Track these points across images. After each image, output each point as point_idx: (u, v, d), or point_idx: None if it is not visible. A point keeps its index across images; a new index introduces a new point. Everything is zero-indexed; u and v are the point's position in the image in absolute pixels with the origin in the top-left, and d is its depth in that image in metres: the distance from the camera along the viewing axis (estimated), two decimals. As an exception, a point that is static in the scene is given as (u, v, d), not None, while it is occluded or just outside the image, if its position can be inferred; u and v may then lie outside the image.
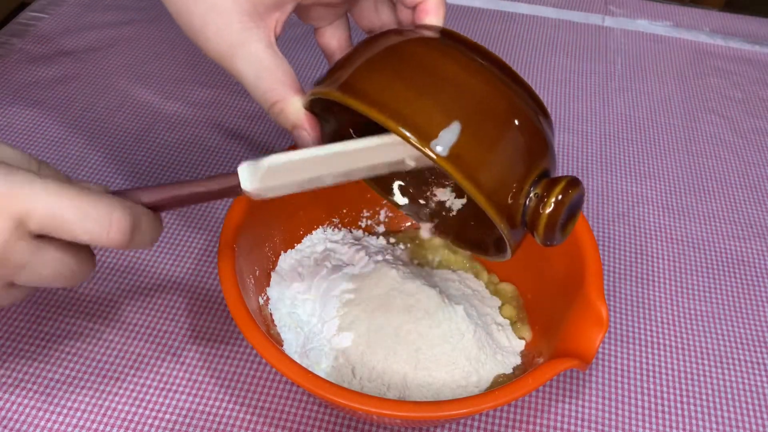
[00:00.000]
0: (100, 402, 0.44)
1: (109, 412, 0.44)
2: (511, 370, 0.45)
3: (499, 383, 0.44)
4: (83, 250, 0.35)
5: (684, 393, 0.48)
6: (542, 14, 0.84)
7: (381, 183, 0.46)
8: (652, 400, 0.47)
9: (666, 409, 0.47)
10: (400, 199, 0.46)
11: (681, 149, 0.67)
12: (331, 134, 0.42)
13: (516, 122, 0.35)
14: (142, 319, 0.49)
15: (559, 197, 0.35)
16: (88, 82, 0.68)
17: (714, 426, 0.46)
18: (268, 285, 0.48)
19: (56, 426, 0.43)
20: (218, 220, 0.56)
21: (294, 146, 0.40)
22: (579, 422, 0.46)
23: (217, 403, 0.45)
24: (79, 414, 0.44)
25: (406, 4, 0.41)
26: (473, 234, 0.44)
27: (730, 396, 0.48)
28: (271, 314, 0.47)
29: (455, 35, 0.37)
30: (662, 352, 0.50)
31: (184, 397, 0.45)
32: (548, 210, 0.35)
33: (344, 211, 0.54)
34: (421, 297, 0.46)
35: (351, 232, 0.54)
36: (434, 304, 0.45)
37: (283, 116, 0.39)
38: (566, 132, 0.68)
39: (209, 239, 0.54)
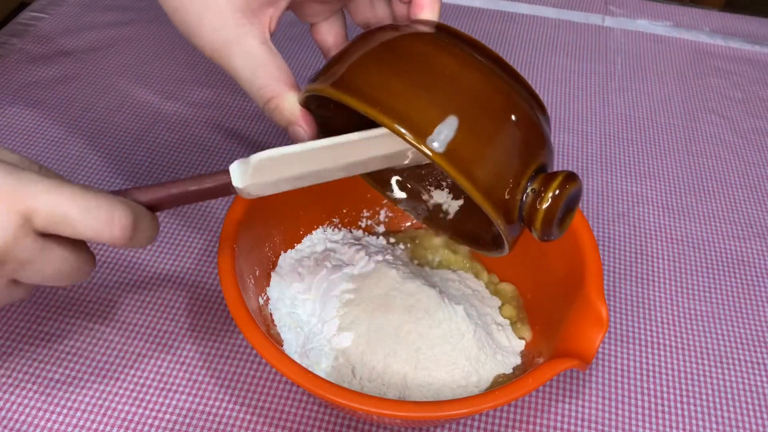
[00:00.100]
0: (100, 402, 0.44)
1: (109, 412, 0.44)
2: (511, 370, 0.45)
3: (499, 383, 0.44)
4: (84, 249, 0.36)
5: (684, 393, 0.48)
6: (542, 14, 0.84)
7: (378, 178, 0.46)
8: (652, 400, 0.47)
9: (666, 409, 0.47)
10: (398, 194, 0.46)
11: (681, 149, 0.67)
12: (327, 131, 0.42)
13: (512, 117, 0.35)
14: (142, 319, 0.49)
15: (557, 192, 0.35)
16: (88, 82, 0.68)
17: (714, 426, 0.46)
18: (268, 285, 0.48)
19: (56, 426, 0.43)
20: (218, 220, 0.56)
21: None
22: (579, 422, 0.46)
23: (217, 403, 0.45)
24: (79, 414, 0.44)
25: None
26: (471, 229, 0.44)
27: (730, 396, 0.48)
28: (271, 314, 0.47)
29: (450, 30, 0.37)
30: (662, 352, 0.50)
31: (184, 397, 0.45)
32: (545, 205, 0.35)
33: (344, 211, 0.54)
34: (421, 297, 0.46)
35: (351, 232, 0.54)
36: (434, 304, 0.45)
37: (278, 113, 0.39)
38: (566, 132, 0.68)
39: (209, 239, 0.54)
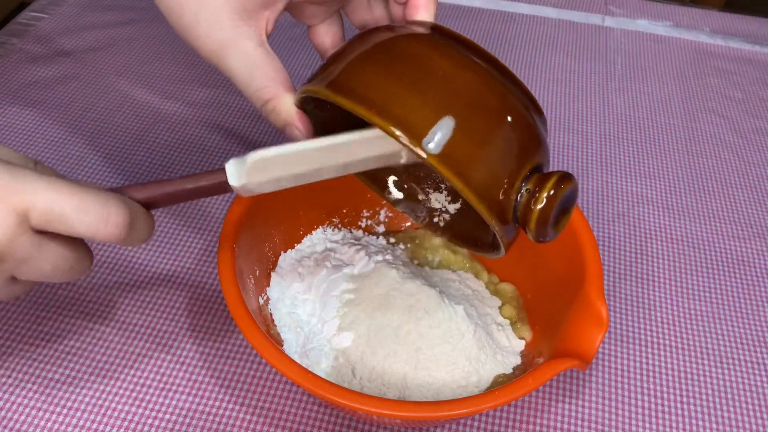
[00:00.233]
0: (99, 402, 0.44)
1: (108, 412, 0.44)
2: (511, 370, 0.45)
3: (499, 383, 0.44)
4: (82, 246, 0.36)
5: (684, 393, 0.48)
6: (542, 14, 0.84)
7: (376, 180, 0.46)
8: (652, 400, 0.47)
9: (666, 409, 0.47)
10: (396, 195, 0.46)
11: (681, 149, 0.67)
12: (323, 132, 0.42)
13: (507, 118, 0.35)
14: (142, 319, 0.49)
15: (551, 192, 0.34)
16: (88, 82, 0.68)
17: (714, 426, 0.46)
18: (268, 285, 0.48)
19: (56, 426, 0.43)
20: (218, 220, 0.56)
21: None
22: (579, 422, 0.46)
23: (217, 403, 0.45)
24: (78, 413, 0.44)
25: (397, 0, 0.41)
26: (470, 231, 0.44)
27: (730, 396, 0.48)
28: (271, 314, 0.47)
29: (446, 31, 0.37)
30: (662, 352, 0.50)
31: (184, 397, 0.45)
32: (540, 205, 0.34)
33: (344, 211, 0.54)
34: (421, 297, 0.46)
35: (351, 232, 0.54)
36: (434, 304, 0.45)
37: (274, 114, 0.39)
38: (566, 132, 0.68)
39: (209, 239, 0.54)
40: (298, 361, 0.41)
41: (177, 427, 0.44)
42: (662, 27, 0.83)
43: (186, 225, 0.55)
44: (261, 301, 0.47)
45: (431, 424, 0.44)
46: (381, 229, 0.54)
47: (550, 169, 0.37)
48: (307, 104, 0.39)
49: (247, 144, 0.63)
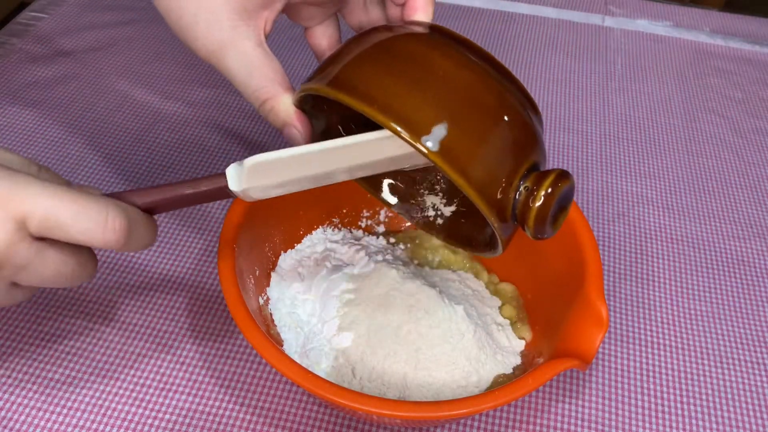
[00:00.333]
0: (99, 402, 0.44)
1: (108, 412, 0.44)
2: (511, 370, 0.45)
3: (499, 383, 0.44)
4: (84, 251, 0.36)
5: (684, 393, 0.48)
6: (542, 14, 0.84)
7: (372, 181, 0.46)
8: (652, 400, 0.47)
9: (666, 409, 0.47)
10: (390, 198, 0.46)
11: (681, 149, 0.67)
12: (321, 132, 0.42)
13: (505, 116, 0.35)
14: (142, 319, 0.49)
15: (549, 190, 0.35)
16: (88, 82, 0.68)
17: (714, 426, 0.46)
18: (268, 285, 0.48)
19: (56, 426, 0.43)
20: (218, 221, 0.56)
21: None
22: (579, 422, 0.46)
23: (217, 403, 0.45)
24: (78, 414, 0.44)
25: (395, 2, 0.41)
26: (465, 232, 0.44)
27: (730, 396, 0.48)
28: (271, 314, 0.47)
29: (444, 30, 0.37)
30: (662, 352, 0.50)
31: (184, 397, 0.45)
32: (538, 203, 0.35)
33: (344, 211, 0.54)
34: (421, 297, 0.46)
35: (351, 232, 0.54)
36: (434, 304, 0.45)
37: (273, 114, 0.39)
38: (566, 132, 0.68)
39: (209, 239, 0.54)
40: (298, 361, 0.41)
41: (177, 427, 0.44)
42: (662, 27, 0.83)
43: (186, 225, 0.55)
44: (261, 301, 0.47)
45: (431, 424, 0.44)
46: (381, 229, 0.54)
47: (547, 168, 0.37)
48: (305, 104, 0.39)
49: (247, 144, 0.63)
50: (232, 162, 0.60)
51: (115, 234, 0.34)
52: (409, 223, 0.54)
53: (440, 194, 0.46)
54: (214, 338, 0.48)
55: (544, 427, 0.45)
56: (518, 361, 0.46)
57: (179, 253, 0.53)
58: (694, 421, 0.46)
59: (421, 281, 0.47)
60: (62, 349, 0.47)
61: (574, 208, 0.46)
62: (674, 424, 0.46)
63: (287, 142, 0.40)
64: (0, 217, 0.32)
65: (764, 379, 0.49)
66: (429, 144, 0.33)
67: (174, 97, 0.67)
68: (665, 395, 0.48)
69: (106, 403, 0.44)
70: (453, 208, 0.46)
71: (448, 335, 0.44)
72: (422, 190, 0.46)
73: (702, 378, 0.49)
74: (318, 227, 0.53)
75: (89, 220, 0.33)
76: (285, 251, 0.51)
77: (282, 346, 0.46)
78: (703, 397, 0.48)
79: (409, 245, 0.53)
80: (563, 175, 0.35)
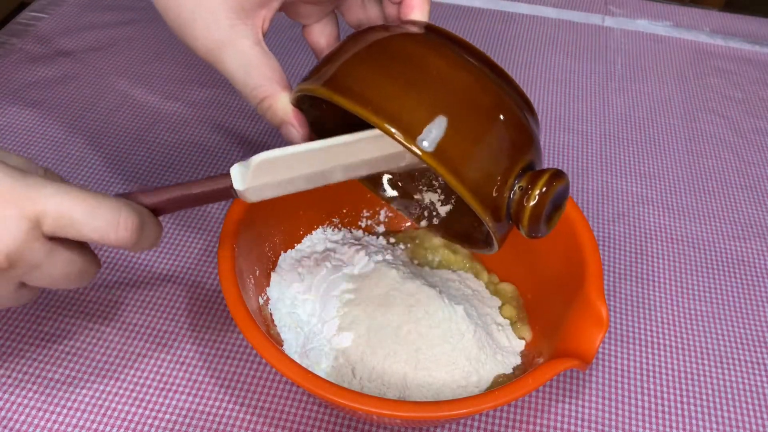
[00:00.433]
0: (99, 402, 0.44)
1: (108, 412, 0.44)
2: (511, 370, 0.45)
3: (499, 383, 0.44)
4: (89, 252, 0.36)
5: (684, 393, 0.48)
6: (542, 14, 0.84)
7: (371, 178, 0.46)
8: (652, 400, 0.47)
9: (666, 409, 0.47)
10: (390, 193, 0.46)
11: (681, 149, 0.67)
12: (319, 130, 0.42)
13: (500, 116, 0.35)
14: (142, 319, 0.49)
15: (543, 189, 0.35)
16: (88, 82, 0.68)
17: (714, 426, 0.46)
18: (268, 285, 0.48)
19: (56, 426, 0.43)
20: (218, 221, 0.56)
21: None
22: (579, 422, 0.46)
23: (217, 403, 0.45)
24: (78, 414, 0.44)
25: (392, 0, 0.41)
26: (463, 228, 0.44)
27: (730, 396, 0.48)
28: (271, 314, 0.47)
29: (440, 30, 0.37)
30: (662, 352, 0.50)
31: (184, 397, 0.45)
32: (532, 202, 0.35)
33: (344, 211, 0.54)
34: (421, 297, 0.46)
35: (351, 232, 0.54)
36: (434, 304, 0.45)
37: (271, 112, 0.39)
38: (566, 132, 0.68)
39: (209, 239, 0.54)
40: (298, 361, 0.41)
41: (177, 427, 0.44)
42: (662, 27, 0.83)
43: (186, 225, 0.55)
44: (261, 301, 0.47)
45: (431, 424, 0.44)
46: (381, 229, 0.54)
47: (543, 167, 0.37)
48: (303, 103, 0.39)
49: (247, 144, 0.63)
50: (232, 162, 0.61)
51: (128, 233, 0.34)
52: (409, 223, 0.54)
53: (438, 191, 0.46)
54: (214, 338, 0.48)
55: (544, 427, 0.45)
56: (518, 361, 0.46)
57: (179, 253, 0.53)
58: (694, 421, 0.46)
59: (421, 281, 0.47)
60: (62, 349, 0.47)
61: (574, 208, 0.46)
62: (674, 424, 0.46)
63: (285, 141, 0.41)
64: (14, 215, 0.32)
65: (764, 379, 0.49)
66: (423, 145, 0.33)
67: (174, 97, 0.67)
68: (665, 395, 0.48)
69: (106, 403, 0.44)
70: (450, 205, 0.46)
71: (448, 335, 0.44)
72: (420, 187, 0.46)
73: (702, 378, 0.49)
74: (318, 227, 0.53)
75: (103, 218, 0.34)
76: (285, 251, 0.51)
77: (282, 346, 0.46)
78: (703, 397, 0.48)
79: (409, 245, 0.53)
80: (558, 175, 0.35)
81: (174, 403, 0.45)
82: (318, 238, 0.52)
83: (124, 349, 0.47)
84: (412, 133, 0.34)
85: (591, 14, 0.85)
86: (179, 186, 0.38)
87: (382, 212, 0.54)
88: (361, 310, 0.45)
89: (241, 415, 0.44)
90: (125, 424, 0.43)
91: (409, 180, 0.46)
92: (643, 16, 0.84)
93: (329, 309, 0.46)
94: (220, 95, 0.68)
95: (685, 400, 0.48)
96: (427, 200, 0.46)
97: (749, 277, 0.56)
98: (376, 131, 0.36)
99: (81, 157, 0.60)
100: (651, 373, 0.49)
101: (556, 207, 0.36)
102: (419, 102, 0.34)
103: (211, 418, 0.44)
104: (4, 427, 0.43)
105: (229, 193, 0.38)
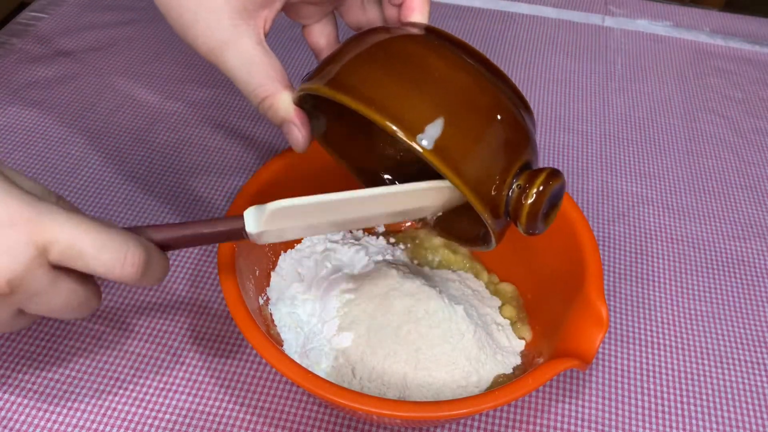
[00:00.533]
0: (100, 402, 0.44)
1: (109, 413, 0.44)
2: (511, 370, 0.45)
3: (499, 383, 0.44)
4: (92, 283, 0.36)
5: (684, 393, 0.48)
6: (542, 14, 0.84)
7: (370, 177, 0.46)
8: (652, 400, 0.47)
9: (666, 409, 0.47)
10: None
11: (681, 149, 0.67)
12: (320, 130, 0.43)
13: (498, 116, 0.36)
14: (142, 320, 0.49)
15: (541, 188, 0.36)
16: (88, 82, 0.68)
17: (714, 426, 0.46)
18: (268, 285, 0.48)
19: (56, 426, 0.43)
20: (218, 220, 0.56)
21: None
22: (579, 422, 0.46)
23: (217, 404, 0.45)
24: (79, 414, 0.44)
25: (392, 2, 0.41)
26: (460, 227, 0.45)
27: (730, 396, 0.48)
28: (271, 314, 0.47)
29: (440, 32, 0.38)
30: (662, 352, 0.50)
31: (184, 397, 0.45)
32: (530, 200, 0.36)
33: (344, 211, 0.54)
34: (421, 297, 0.46)
35: (351, 232, 0.54)
36: (434, 304, 0.45)
37: (272, 111, 0.40)
38: (566, 132, 0.68)
39: (209, 239, 0.54)
40: (298, 361, 0.41)
41: (177, 427, 0.44)
42: (662, 27, 0.83)
43: (186, 225, 0.55)
44: (261, 301, 0.47)
45: (431, 424, 0.44)
46: (381, 229, 0.54)
47: (539, 166, 0.38)
48: (305, 102, 0.40)
49: (247, 143, 0.63)
50: (233, 162, 0.61)
51: (134, 268, 0.34)
52: (409, 223, 0.54)
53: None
54: (214, 338, 0.48)
55: (544, 427, 0.45)
56: (518, 361, 0.46)
57: (179, 253, 0.53)
58: (694, 421, 0.46)
59: (421, 281, 0.47)
60: (62, 350, 0.47)
61: (574, 208, 0.46)
62: (674, 424, 0.46)
63: (287, 140, 0.41)
64: (22, 241, 0.32)
65: (764, 379, 0.49)
66: (424, 143, 0.34)
67: (174, 96, 0.67)
68: (665, 395, 0.48)
69: (107, 404, 0.44)
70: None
71: (448, 335, 0.44)
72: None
73: (702, 378, 0.49)
74: (318, 227, 0.53)
75: (111, 252, 0.33)
76: (285, 251, 0.51)
77: (282, 346, 0.46)
78: (703, 397, 0.48)
79: (409, 245, 0.53)
80: (554, 174, 0.36)
81: (174, 403, 0.45)
82: (318, 238, 0.52)
83: (124, 350, 0.47)
84: (414, 131, 0.34)
85: (591, 14, 0.85)
86: (190, 224, 0.38)
87: (382, 212, 0.54)
88: (361, 310, 0.45)
89: (241, 415, 0.44)
90: (125, 424, 0.43)
91: (407, 180, 0.46)
92: (643, 16, 0.84)
93: (329, 309, 0.46)
94: (220, 95, 0.68)
95: (685, 400, 0.48)
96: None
97: (749, 277, 0.56)
98: (396, 188, 0.38)
99: (81, 157, 0.60)
100: (651, 373, 0.49)
101: (552, 205, 0.37)
102: (421, 101, 0.35)
103: (211, 418, 0.44)
104: (4, 427, 0.43)
105: (239, 234, 0.38)
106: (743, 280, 0.56)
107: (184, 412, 0.44)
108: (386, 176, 0.46)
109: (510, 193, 0.36)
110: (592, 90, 0.73)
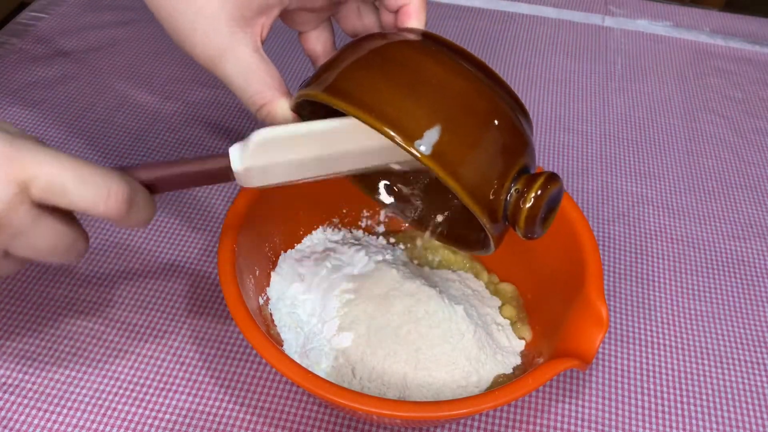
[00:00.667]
0: (99, 402, 0.44)
1: (108, 412, 0.44)
2: (511, 370, 0.45)
3: (499, 383, 0.44)
4: (78, 227, 0.36)
5: (684, 393, 0.48)
6: (542, 14, 0.84)
7: (367, 182, 0.46)
8: (652, 400, 0.47)
9: (666, 409, 0.47)
10: (386, 198, 0.46)
11: (681, 149, 0.67)
12: None
13: (496, 121, 0.36)
14: (142, 319, 0.49)
15: (539, 192, 0.36)
16: (88, 82, 0.68)
17: (714, 426, 0.46)
18: (268, 285, 0.48)
19: (56, 426, 0.43)
20: (218, 220, 0.56)
21: None
22: (579, 422, 0.46)
23: (217, 403, 0.45)
24: (78, 413, 0.44)
25: (388, 8, 0.41)
26: (458, 231, 0.45)
27: (730, 396, 0.48)
28: (271, 314, 0.47)
29: (437, 38, 0.38)
30: (662, 352, 0.50)
31: (184, 397, 0.45)
32: (528, 204, 0.36)
33: (344, 211, 0.54)
34: (421, 297, 0.46)
35: (351, 232, 0.54)
36: (434, 304, 0.45)
37: (270, 118, 0.40)
38: (566, 132, 0.68)
39: (209, 239, 0.54)
40: (298, 361, 0.41)
41: (177, 427, 0.44)
42: (662, 27, 0.83)
43: (186, 224, 0.55)
44: (261, 301, 0.47)
45: (431, 424, 0.44)
46: (381, 229, 0.54)
47: (536, 170, 0.38)
48: (302, 110, 0.40)
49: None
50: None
51: (117, 203, 0.34)
52: (408, 224, 0.54)
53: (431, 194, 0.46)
54: (214, 338, 0.48)
55: (544, 427, 0.45)
56: (518, 361, 0.46)
57: (179, 253, 0.53)
58: (694, 421, 0.46)
59: (421, 281, 0.47)
60: (62, 349, 0.47)
61: (574, 208, 0.46)
62: (674, 424, 0.46)
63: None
64: (2, 179, 0.32)
65: (764, 379, 0.49)
66: (422, 148, 0.34)
67: (173, 97, 0.67)
68: (665, 395, 0.48)
69: (106, 403, 0.44)
70: (447, 210, 0.46)
71: (448, 335, 0.44)
72: (416, 191, 0.47)
73: (702, 378, 0.49)
74: (318, 227, 0.53)
75: (93, 188, 0.33)
76: (285, 251, 0.51)
77: (282, 346, 0.46)
78: (703, 397, 0.48)
79: (409, 245, 0.53)
80: (552, 178, 0.36)
81: (174, 403, 0.45)
82: (318, 238, 0.52)
83: (124, 349, 0.47)
84: (411, 136, 0.34)
85: (591, 14, 0.85)
86: (175, 162, 0.37)
87: (382, 212, 0.54)
88: (361, 310, 0.45)
89: (241, 415, 0.44)
90: (125, 424, 0.43)
91: (405, 184, 0.47)
92: (643, 16, 0.84)
93: (329, 309, 0.46)
94: (220, 95, 0.68)
95: (685, 400, 0.48)
96: (423, 204, 0.46)
97: (749, 277, 0.56)
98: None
99: (81, 157, 0.60)
100: (651, 373, 0.49)
101: (550, 209, 0.37)
102: (418, 107, 0.35)
103: (211, 418, 0.44)
104: (4, 427, 0.43)
105: (226, 173, 0.37)
106: (743, 280, 0.56)
107: (184, 412, 0.44)
108: (384, 182, 0.46)
109: (508, 198, 0.36)
110: (592, 90, 0.73)
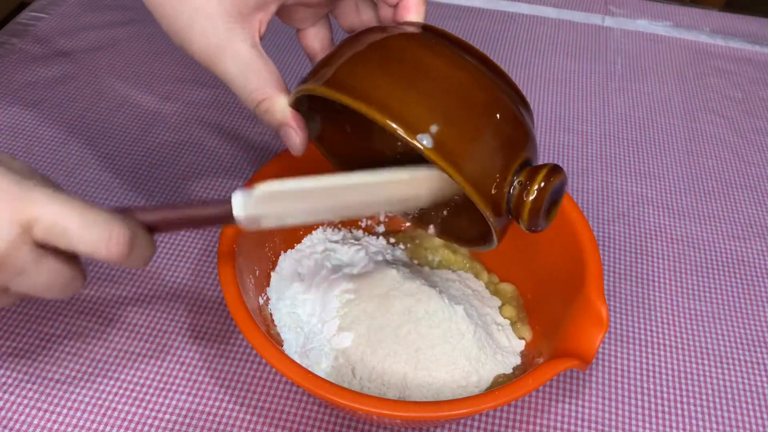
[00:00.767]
0: (99, 402, 0.44)
1: (108, 412, 0.44)
2: (511, 370, 0.45)
3: (499, 383, 0.44)
4: (76, 264, 0.36)
5: (684, 393, 0.48)
6: (542, 14, 0.84)
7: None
8: (652, 400, 0.47)
9: (666, 409, 0.47)
10: None
11: (681, 149, 0.67)
12: (316, 132, 0.43)
13: (498, 114, 0.36)
14: (142, 319, 0.49)
15: (542, 185, 0.36)
16: (88, 82, 0.68)
17: (714, 426, 0.46)
18: (268, 285, 0.48)
19: (56, 426, 0.43)
20: (218, 220, 0.56)
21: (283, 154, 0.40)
22: (579, 422, 0.46)
23: (217, 403, 0.45)
24: (79, 414, 0.44)
25: (387, 3, 0.41)
26: (459, 227, 0.45)
27: (730, 396, 0.48)
28: (271, 314, 0.47)
29: (437, 30, 0.38)
30: (662, 352, 0.50)
31: (184, 397, 0.45)
32: (531, 197, 0.36)
33: (344, 211, 0.54)
34: (421, 297, 0.46)
35: (351, 232, 0.54)
36: (434, 304, 0.45)
37: (269, 115, 0.39)
38: (566, 132, 0.68)
39: (209, 239, 0.54)
40: (298, 361, 0.41)
41: (177, 427, 0.44)
42: (662, 27, 0.83)
43: (186, 225, 0.55)
44: (261, 301, 0.47)
45: (431, 424, 0.44)
46: (381, 229, 0.54)
47: (538, 162, 0.38)
48: (301, 106, 0.39)
49: (246, 144, 0.63)
50: (232, 162, 0.61)
51: (118, 247, 0.34)
52: (409, 223, 0.54)
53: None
54: (214, 338, 0.48)
55: (544, 427, 0.45)
56: (518, 361, 0.46)
57: (179, 253, 0.53)
58: (694, 421, 0.46)
59: (421, 281, 0.47)
60: (62, 349, 0.47)
61: (574, 208, 0.46)
62: (674, 424, 0.46)
63: (283, 143, 0.41)
64: (6, 219, 0.32)
65: (764, 379, 0.49)
66: (425, 141, 0.34)
67: (173, 97, 0.67)
68: (665, 395, 0.48)
69: (106, 403, 0.44)
70: (448, 207, 0.46)
71: (448, 335, 0.44)
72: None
73: (702, 378, 0.49)
74: (318, 227, 0.53)
75: (95, 231, 0.33)
76: (285, 251, 0.51)
77: (282, 346, 0.46)
78: (703, 397, 0.48)
79: (409, 245, 0.53)
80: (555, 170, 0.36)
81: (174, 403, 0.45)
82: (318, 238, 0.52)
83: (124, 349, 0.47)
84: (414, 129, 0.34)
85: (591, 14, 0.85)
86: (178, 206, 0.37)
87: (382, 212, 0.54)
88: (361, 310, 0.45)
89: (241, 415, 0.44)
90: (125, 424, 0.43)
91: None
92: (643, 16, 0.84)
93: (329, 309, 0.46)
94: (219, 95, 0.68)
95: (685, 400, 0.48)
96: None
97: (749, 277, 0.56)
98: (394, 175, 0.37)
99: (80, 157, 0.60)
100: (651, 373, 0.49)
101: (554, 201, 0.37)
102: (420, 99, 0.35)
103: (211, 418, 0.44)
104: (4, 427, 0.43)
105: (228, 218, 0.37)
106: (743, 280, 0.56)
107: (184, 412, 0.44)
108: None
109: (511, 190, 0.36)
110: (592, 90, 0.73)
